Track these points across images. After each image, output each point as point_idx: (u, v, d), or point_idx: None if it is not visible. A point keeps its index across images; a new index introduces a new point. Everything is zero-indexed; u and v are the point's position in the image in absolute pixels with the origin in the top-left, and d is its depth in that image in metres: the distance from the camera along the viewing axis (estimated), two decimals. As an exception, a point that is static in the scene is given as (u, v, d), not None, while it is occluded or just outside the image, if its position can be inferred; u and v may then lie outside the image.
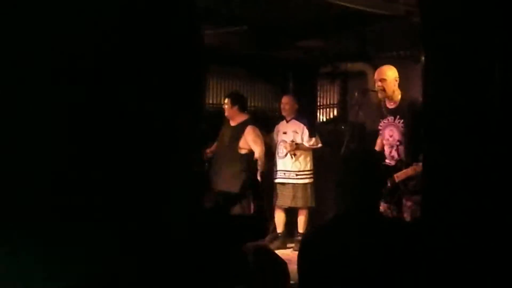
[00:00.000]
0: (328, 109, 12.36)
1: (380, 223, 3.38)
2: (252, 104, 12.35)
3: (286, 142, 9.69)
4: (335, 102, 12.19)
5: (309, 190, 9.86)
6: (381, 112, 7.48)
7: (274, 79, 12.43)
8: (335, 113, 12.18)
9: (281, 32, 9.88)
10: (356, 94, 9.03)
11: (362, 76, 11.30)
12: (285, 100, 10.04)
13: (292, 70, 12.30)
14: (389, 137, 7.29)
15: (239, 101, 9.19)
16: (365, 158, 3.63)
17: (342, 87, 12.05)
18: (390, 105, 7.33)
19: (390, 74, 7.31)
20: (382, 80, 7.29)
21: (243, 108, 9.11)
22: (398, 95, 7.28)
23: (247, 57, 11.44)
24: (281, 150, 9.80)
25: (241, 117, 9.07)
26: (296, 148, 9.63)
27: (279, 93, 12.22)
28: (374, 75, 10.70)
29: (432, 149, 4.18)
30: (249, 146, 9.05)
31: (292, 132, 9.75)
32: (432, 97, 4.19)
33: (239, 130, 9.07)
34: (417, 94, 7.32)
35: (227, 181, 8.64)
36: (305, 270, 3.35)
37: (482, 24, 3.82)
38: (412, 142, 7.01)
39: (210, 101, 11.90)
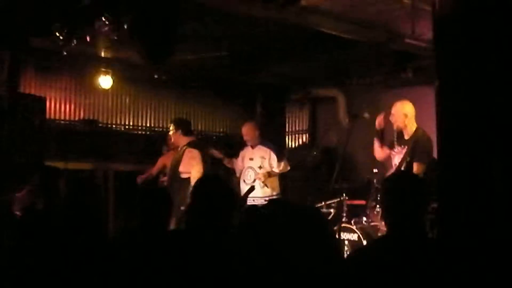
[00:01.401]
0: (297, 135, 12.39)
1: (425, 244, 3.40)
2: (221, 129, 12.39)
3: (253, 168, 9.61)
4: (305, 128, 12.23)
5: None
6: (392, 141, 7.82)
7: (244, 104, 12.45)
8: (304, 138, 12.22)
9: (254, 57, 9.90)
10: (346, 119, 9.11)
11: (332, 101, 11.39)
12: (244, 130, 9.86)
13: (262, 95, 12.34)
14: (397, 163, 7.57)
15: (181, 125, 9.06)
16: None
17: (312, 112, 12.11)
18: (405, 136, 7.65)
19: (397, 109, 7.65)
20: (392, 114, 7.66)
21: (186, 132, 8.91)
22: (412, 128, 7.58)
23: (219, 82, 11.48)
24: (248, 176, 9.70)
25: (184, 141, 8.92)
26: (268, 176, 9.55)
27: (247, 118, 12.26)
28: (344, 100, 10.92)
29: (447, 169, 4.24)
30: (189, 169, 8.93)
31: (259, 157, 9.60)
32: (446, 119, 4.26)
33: (180, 154, 8.96)
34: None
35: (176, 209, 8.51)
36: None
37: (498, 41, 3.90)
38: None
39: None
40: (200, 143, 8.89)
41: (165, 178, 9.35)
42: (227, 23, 8.38)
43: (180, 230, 4.02)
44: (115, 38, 7.01)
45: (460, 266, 3.40)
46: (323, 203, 9.34)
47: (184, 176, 8.59)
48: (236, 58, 9.79)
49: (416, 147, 7.49)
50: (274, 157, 9.46)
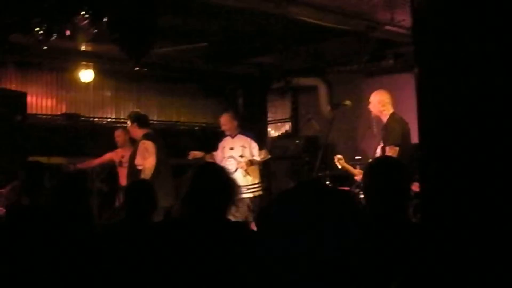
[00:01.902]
0: (279, 124, 12.43)
1: (408, 229, 3.43)
2: (204, 120, 12.40)
3: (234, 158, 9.64)
4: (287, 117, 12.27)
5: (259, 202, 9.81)
6: (373, 128, 8.13)
7: (226, 95, 12.48)
8: (287, 127, 12.26)
9: (235, 48, 9.90)
10: (328, 107, 9.19)
11: (313, 90, 11.43)
12: (222, 120, 9.89)
13: (243, 86, 12.36)
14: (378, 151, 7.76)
15: (137, 118, 9.08)
16: (392, 165, 3.69)
17: (293, 101, 12.15)
18: (381, 123, 7.84)
19: (374, 98, 7.80)
20: (369, 103, 7.81)
21: (142, 125, 8.91)
22: (387, 115, 7.72)
23: (200, 73, 11.49)
24: (230, 166, 9.72)
25: (140, 133, 8.91)
26: (250, 165, 9.58)
27: (229, 108, 12.28)
28: (326, 89, 10.99)
29: (427, 156, 4.26)
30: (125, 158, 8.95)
31: (240, 147, 9.62)
32: (426, 105, 4.28)
33: (136, 147, 8.97)
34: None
35: None
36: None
37: (478, 29, 3.93)
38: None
39: (162, 118, 11.91)
40: (156, 135, 8.90)
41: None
42: (206, 15, 8.37)
43: (175, 220, 3.99)
44: (94, 32, 7.00)
45: (444, 250, 3.44)
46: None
47: (139, 168, 8.63)
48: (216, 49, 9.79)
49: (387, 131, 7.67)
50: (254, 145, 9.49)
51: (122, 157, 9.34)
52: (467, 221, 3.98)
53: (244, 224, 4.05)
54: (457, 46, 4.14)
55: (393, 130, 7.59)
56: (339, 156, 8.49)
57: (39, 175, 5.63)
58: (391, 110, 7.75)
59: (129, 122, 8.94)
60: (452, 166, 4.14)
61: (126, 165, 9.13)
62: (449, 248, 3.81)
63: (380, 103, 7.74)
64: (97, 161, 9.47)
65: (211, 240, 3.70)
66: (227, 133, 9.65)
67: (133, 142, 9.10)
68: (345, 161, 8.28)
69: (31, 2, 6.94)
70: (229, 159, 9.52)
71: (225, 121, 9.63)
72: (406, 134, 7.53)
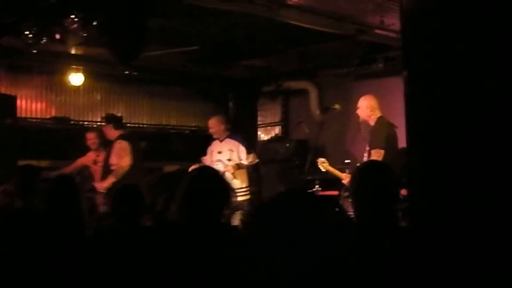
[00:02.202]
0: (270, 127, 12.43)
1: (396, 232, 3.43)
2: (194, 123, 12.39)
3: (222, 161, 9.65)
4: (277, 120, 12.28)
5: (247, 206, 9.82)
6: (361, 132, 8.23)
7: (216, 98, 12.48)
8: (277, 131, 12.27)
9: (225, 51, 9.90)
10: (317, 111, 9.23)
11: (304, 93, 11.44)
12: (210, 123, 9.91)
13: (234, 89, 12.36)
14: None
15: (111, 120, 9.13)
16: (379, 168, 3.70)
17: (284, 105, 12.16)
18: (369, 128, 7.98)
19: (361, 103, 7.98)
20: (357, 108, 7.98)
21: (117, 126, 8.97)
22: (375, 119, 7.89)
23: (190, 77, 11.49)
24: (217, 169, 9.73)
25: (115, 134, 8.95)
26: (237, 168, 9.60)
27: (219, 112, 12.28)
28: (316, 93, 11.01)
29: (415, 158, 4.28)
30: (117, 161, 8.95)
31: (228, 150, 9.63)
32: (414, 108, 4.31)
33: (110, 147, 9.02)
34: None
35: None
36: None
37: (465, 32, 3.95)
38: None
39: (152, 121, 11.90)
40: (131, 136, 8.95)
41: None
42: (196, 18, 8.37)
43: (172, 223, 3.98)
44: (84, 35, 6.99)
45: (432, 254, 3.44)
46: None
47: (114, 168, 8.64)
48: (206, 53, 9.79)
49: (372, 135, 7.78)
50: (242, 149, 9.51)
51: (97, 156, 9.33)
52: (454, 223, 4.00)
53: (237, 227, 4.04)
54: (445, 49, 4.17)
55: (378, 133, 7.70)
56: (322, 159, 8.55)
57: (33, 178, 5.62)
58: (378, 114, 7.85)
59: (104, 123, 9.00)
60: (440, 169, 4.16)
61: (100, 164, 9.13)
62: (438, 251, 3.83)
63: (368, 108, 7.87)
64: (70, 167, 9.36)
65: (207, 243, 3.71)
66: (215, 136, 9.69)
67: (106, 145, 9.17)
68: (331, 165, 8.34)
69: (22, 5, 6.92)
70: (217, 163, 9.53)
71: (213, 124, 9.67)
72: (391, 138, 7.65)
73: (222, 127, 9.66)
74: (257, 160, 9.76)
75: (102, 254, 4.56)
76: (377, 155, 7.53)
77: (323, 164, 8.53)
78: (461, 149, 3.98)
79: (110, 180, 8.48)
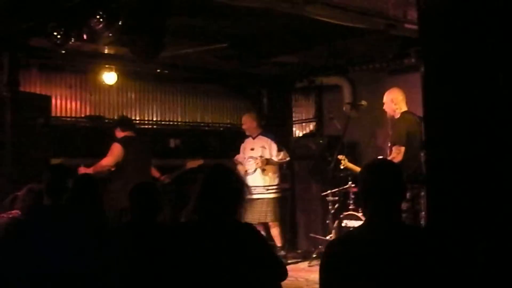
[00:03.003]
0: (304, 124, 12.39)
1: (403, 230, 3.39)
2: (228, 120, 12.41)
3: (255, 158, 9.72)
4: (311, 117, 12.23)
5: (278, 204, 9.86)
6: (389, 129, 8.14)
7: (250, 95, 12.49)
8: (312, 127, 12.23)
9: (257, 48, 9.89)
10: (344, 108, 9.21)
11: (337, 89, 11.38)
12: (243, 120, 10.11)
13: (267, 86, 12.37)
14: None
15: (119, 123, 9.20)
16: (389, 166, 3.66)
17: (317, 101, 12.10)
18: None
19: (386, 97, 7.99)
20: (383, 103, 7.96)
21: (124, 128, 9.01)
22: (398, 114, 7.86)
23: (223, 74, 11.51)
24: (250, 166, 9.81)
25: (120, 136, 9.01)
26: (266, 163, 9.66)
27: (254, 109, 12.30)
28: (349, 88, 10.95)
29: (433, 155, 4.25)
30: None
31: (260, 147, 9.77)
32: (432, 104, 4.28)
33: None
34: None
35: None
36: (330, 281, 3.34)
37: (481, 31, 3.91)
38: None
39: (186, 119, 11.94)
40: (132, 139, 8.94)
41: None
42: (226, 16, 8.38)
43: (187, 222, 4.01)
44: (110, 35, 7.05)
45: (448, 253, 3.39)
46: (328, 191, 9.37)
47: (112, 169, 8.75)
48: (236, 50, 9.80)
49: (393, 130, 7.67)
50: (274, 146, 9.69)
51: None
52: (472, 220, 3.94)
53: (252, 226, 4.04)
54: (463, 45, 4.11)
55: (397, 129, 7.58)
56: (341, 156, 8.48)
57: (63, 177, 5.68)
58: (403, 109, 7.71)
59: (113, 126, 9.14)
60: (458, 165, 4.11)
61: None
62: (456, 250, 3.78)
63: (393, 102, 7.75)
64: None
65: (222, 242, 3.72)
66: (248, 133, 9.83)
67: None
68: (363, 161, 8.28)
69: (47, 6, 7.01)
70: (249, 160, 9.62)
71: (245, 120, 9.81)
72: (413, 134, 7.44)
73: (255, 123, 9.79)
74: (288, 158, 9.83)
75: (120, 252, 4.61)
76: (397, 151, 7.40)
77: (342, 161, 8.50)
78: (479, 145, 3.93)
79: (88, 170, 8.52)
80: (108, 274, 4.49)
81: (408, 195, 7.10)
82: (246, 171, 9.76)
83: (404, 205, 7.03)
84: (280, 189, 9.95)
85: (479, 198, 3.88)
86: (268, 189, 9.70)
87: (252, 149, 9.79)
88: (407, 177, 7.06)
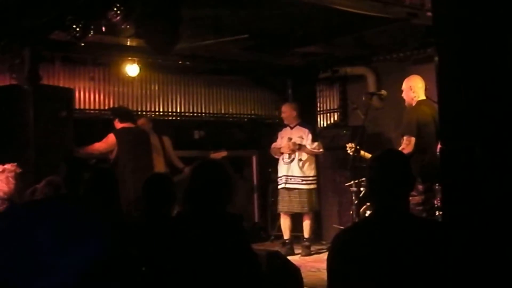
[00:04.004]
0: (328, 114, 12.34)
1: (409, 221, 3.35)
2: (253, 112, 12.38)
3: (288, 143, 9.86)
4: (335, 107, 12.18)
5: (314, 195, 9.97)
6: None
7: (274, 86, 12.46)
8: (336, 117, 12.17)
9: (280, 39, 9.87)
10: (363, 97, 9.15)
11: (361, 79, 11.32)
12: (283, 109, 10.22)
13: (291, 76, 12.33)
14: None
15: (116, 114, 9.24)
16: (397, 157, 3.62)
17: (342, 91, 12.04)
18: None
19: (404, 84, 7.82)
20: (402, 90, 7.81)
21: (122, 119, 9.04)
22: (415, 102, 7.69)
23: (247, 65, 11.48)
24: (286, 155, 9.90)
25: (118, 127, 9.08)
26: (298, 149, 9.75)
27: (278, 99, 12.28)
28: (373, 78, 10.88)
29: (449, 146, 4.20)
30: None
31: (297, 137, 9.93)
32: (447, 95, 4.23)
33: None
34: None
35: None
36: (337, 270, 3.32)
37: (495, 19, 3.86)
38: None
39: (210, 110, 11.93)
40: (127, 131, 9.02)
41: None
42: (249, 6, 8.37)
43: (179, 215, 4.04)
44: (127, 27, 7.07)
45: (456, 247, 3.34)
46: (352, 182, 9.33)
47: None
48: (259, 41, 9.79)
49: (403, 120, 7.58)
50: (310, 137, 9.81)
51: None
52: (488, 215, 3.88)
53: (239, 217, 4.03)
54: (477, 36, 4.05)
55: (407, 119, 7.46)
56: (350, 144, 8.44)
57: (79, 169, 5.70)
58: (421, 97, 7.57)
59: (112, 117, 9.32)
60: (473, 158, 4.05)
61: None
62: (472, 245, 3.73)
63: (410, 89, 7.62)
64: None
65: (208, 234, 3.73)
66: (286, 121, 10.11)
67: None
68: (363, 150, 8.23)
69: (64, 0, 7.04)
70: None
71: (286, 109, 10.14)
72: (424, 125, 7.31)
73: (294, 113, 10.07)
74: (322, 150, 9.92)
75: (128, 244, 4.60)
76: (406, 143, 7.25)
77: (351, 150, 8.45)
78: (493, 137, 3.87)
79: (81, 150, 8.79)
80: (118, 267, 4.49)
81: (422, 187, 7.03)
82: (282, 155, 10.04)
83: (419, 198, 6.97)
84: (316, 180, 10.03)
85: (496, 190, 3.83)
86: (304, 180, 9.83)
87: (290, 139, 9.90)
88: (420, 169, 6.97)
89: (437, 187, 6.97)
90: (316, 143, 9.88)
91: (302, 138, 9.91)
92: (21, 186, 6.38)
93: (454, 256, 3.18)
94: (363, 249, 3.21)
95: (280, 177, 9.99)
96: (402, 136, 7.44)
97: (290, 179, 9.86)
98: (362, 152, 8.21)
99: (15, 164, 6.42)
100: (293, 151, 9.80)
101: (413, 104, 7.63)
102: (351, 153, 8.46)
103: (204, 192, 3.83)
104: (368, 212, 8.85)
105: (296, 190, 9.81)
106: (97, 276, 2.03)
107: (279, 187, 10.02)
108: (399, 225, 3.26)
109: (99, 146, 8.82)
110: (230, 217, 3.85)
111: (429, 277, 3.09)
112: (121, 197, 6.70)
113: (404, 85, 7.76)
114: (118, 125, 9.01)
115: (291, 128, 10.10)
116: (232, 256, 3.71)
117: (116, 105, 10.61)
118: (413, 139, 7.24)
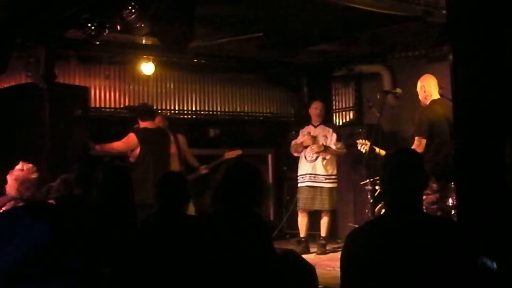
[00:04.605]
0: (343, 112, 12.32)
1: (425, 221, 3.33)
2: (268, 109, 12.38)
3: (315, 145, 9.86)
4: (351, 105, 12.15)
5: (335, 193, 9.98)
6: None
7: (289, 84, 12.44)
8: (351, 116, 12.15)
9: (295, 37, 9.85)
10: (378, 96, 9.13)
11: (377, 77, 11.28)
12: (317, 105, 10.19)
13: (307, 75, 12.31)
14: None
15: (137, 113, 9.22)
16: (410, 155, 3.60)
17: (357, 89, 12.01)
18: None
19: (418, 84, 7.84)
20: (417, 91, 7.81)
21: (143, 118, 8.98)
22: (429, 101, 7.68)
23: (262, 63, 11.47)
24: (310, 154, 9.90)
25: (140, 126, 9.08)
26: (324, 150, 9.76)
27: (294, 98, 12.27)
28: (389, 76, 10.84)
29: (462, 144, 4.20)
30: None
31: (322, 136, 9.92)
32: (461, 93, 4.23)
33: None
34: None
35: None
36: (350, 269, 3.31)
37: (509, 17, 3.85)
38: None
39: (225, 109, 11.94)
40: (147, 132, 8.90)
41: None
42: (263, 5, 8.37)
43: (206, 214, 4.07)
44: (142, 25, 7.08)
45: (467, 247, 3.31)
46: (367, 180, 9.30)
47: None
48: (274, 39, 9.77)
49: (416, 120, 7.62)
50: (334, 136, 9.88)
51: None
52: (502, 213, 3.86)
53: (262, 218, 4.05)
54: (492, 34, 4.03)
55: (418, 119, 7.50)
56: (361, 140, 8.43)
57: (92, 168, 5.73)
58: (434, 97, 7.56)
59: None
60: (487, 156, 4.03)
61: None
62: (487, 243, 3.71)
63: (422, 89, 7.69)
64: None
65: (237, 234, 3.73)
66: (313, 119, 10.15)
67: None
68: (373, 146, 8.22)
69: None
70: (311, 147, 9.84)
71: (319, 105, 10.25)
72: (437, 125, 7.33)
73: (323, 111, 10.11)
74: (345, 150, 9.93)
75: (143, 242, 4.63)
76: (417, 143, 7.26)
77: (363, 146, 8.46)
78: (508, 134, 3.86)
79: (98, 147, 8.66)
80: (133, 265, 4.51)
81: (436, 186, 7.01)
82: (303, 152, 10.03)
83: (433, 197, 6.95)
84: (337, 179, 10.03)
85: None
86: (328, 178, 9.86)
87: (315, 137, 9.87)
88: (434, 168, 6.97)
89: (452, 185, 6.94)
90: (340, 143, 9.91)
91: (326, 137, 9.91)
92: (35, 186, 6.44)
93: (466, 256, 3.16)
94: (375, 248, 3.20)
95: (303, 175, 9.96)
96: (413, 136, 7.44)
97: (314, 177, 9.86)
98: (377, 150, 8.16)
99: (31, 165, 6.49)
100: (319, 153, 9.80)
101: (427, 104, 7.61)
102: (362, 150, 8.46)
103: (238, 193, 3.87)
104: (383, 211, 8.83)
105: (319, 188, 9.83)
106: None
107: (301, 185, 10.00)
108: (411, 224, 3.24)
109: (118, 146, 8.78)
110: (258, 218, 3.88)
111: (440, 277, 3.07)
112: (142, 195, 6.75)
113: (418, 85, 7.78)
114: (141, 124, 8.99)
115: (315, 126, 10.09)
116: (256, 255, 3.72)
117: (132, 104, 10.64)
118: (423, 140, 7.25)
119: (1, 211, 6.22)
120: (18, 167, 6.41)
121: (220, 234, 3.78)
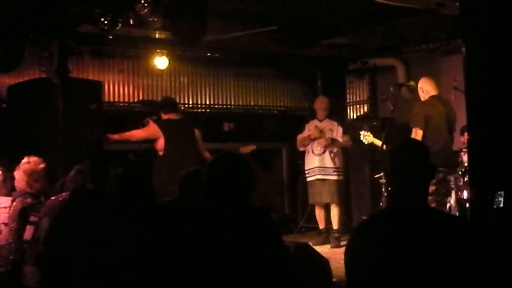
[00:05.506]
0: (358, 106, 12.29)
1: (427, 215, 3.30)
2: (282, 103, 12.36)
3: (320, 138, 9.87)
4: (365, 98, 12.12)
5: (342, 186, 10.02)
6: None
7: (303, 78, 12.41)
8: (365, 109, 12.12)
9: (309, 30, 9.84)
10: (391, 88, 9.15)
11: (391, 70, 11.25)
12: (322, 100, 10.27)
13: (321, 68, 12.27)
14: None
15: (161, 106, 9.35)
16: (416, 148, 3.57)
17: (371, 82, 11.98)
18: None
19: (418, 85, 8.33)
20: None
21: (165, 110, 9.00)
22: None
23: (276, 57, 11.46)
24: (318, 147, 9.92)
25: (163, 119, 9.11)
26: (331, 143, 9.77)
27: (308, 91, 12.25)
28: (403, 69, 10.83)
29: (476, 138, 4.18)
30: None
31: (328, 130, 9.97)
32: (474, 83, 4.21)
33: None
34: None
35: None
36: (352, 262, 3.29)
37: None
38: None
39: (239, 102, 11.92)
40: (170, 123, 8.99)
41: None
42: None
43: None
44: (155, 20, 7.09)
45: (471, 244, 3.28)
46: (381, 173, 9.28)
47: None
48: (287, 32, 9.77)
49: (413, 113, 7.99)
50: (340, 129, 9.98)
51: None
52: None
53: (267, 209, 4.01)
54: (504, 26, 4.00)
55: (415, 112, 7.95)
56: (364, 132, 8.55)
57: (105, 163, 5.71)
58: (431, 93, 8.02)
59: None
60: (500, 150, 4.00)
61: None
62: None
63: (421, 90, 8.17)
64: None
65: (228, 226, 3.70)
66: (318, 113, 10.23)
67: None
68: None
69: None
70: (318, 141, 9.87)
71: (325, 100, 10.36)
72: (432, 118, 7.81)
73: (329, 106, 10.20)
74: (351, 143, 9.94)
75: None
76: (413, 134, 7.66)
77: (366, 137, 8.55)
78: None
79: (117, 136, 8.88)
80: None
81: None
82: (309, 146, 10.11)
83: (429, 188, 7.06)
84: (343, 172, 10.09)
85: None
86: (336, 171, 9.95)
87: (321, 131, 9.88)
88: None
89: (452, 179, 7.21)
90: (347, 136, 9.93)
91: (332, 130, 9.96)
92: (44, 178, 6.45)
93: (470, 252, 3.12)
94: (376, 243, 3.18)
95: (312, 168, 10.00)
96: (412, 127, 7.66)
97: (323, 170, 9.91)
98: (376, 141, 8.44)
99: (40, 159, 6.49)
100: (326, 147, 9.82)
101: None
102: (365, 141, 8.60)
103: (219, 187, 3.79)
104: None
105: (327, 181, 9.92)
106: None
107: (311, 178, 10.03)
108: (413, 217, 3.20)
109: (137, 133, 8.89)
110: (253, 210, 3.81)
111: (441, 271, 3.03)
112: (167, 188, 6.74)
113: (418, 87, 8.27)
114: (164, 116, 9.03)
115: (320, 121, 10.17)
116: (258, 248, 3.68)
117: (146, 98, 10.71)
118: (420, 131, 7.68)
119: (12, 205, 6.27)
120: (24, 160, 6.42)
121: (218, 234, 3.73)
